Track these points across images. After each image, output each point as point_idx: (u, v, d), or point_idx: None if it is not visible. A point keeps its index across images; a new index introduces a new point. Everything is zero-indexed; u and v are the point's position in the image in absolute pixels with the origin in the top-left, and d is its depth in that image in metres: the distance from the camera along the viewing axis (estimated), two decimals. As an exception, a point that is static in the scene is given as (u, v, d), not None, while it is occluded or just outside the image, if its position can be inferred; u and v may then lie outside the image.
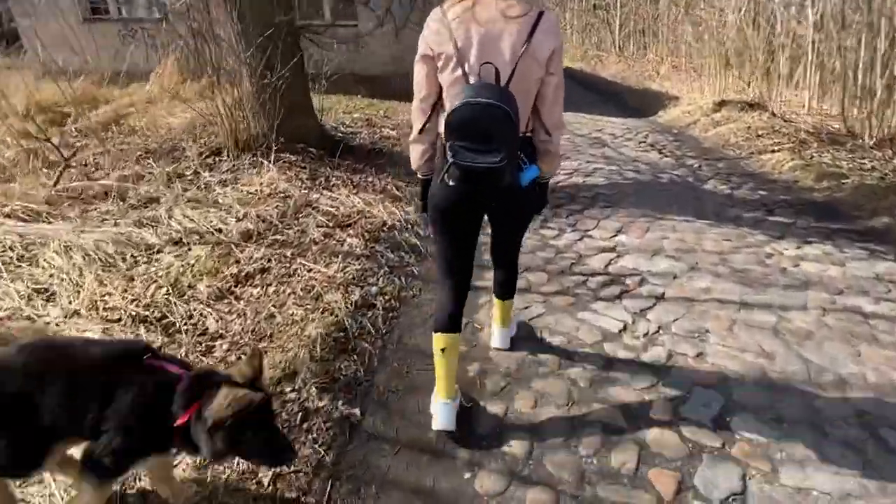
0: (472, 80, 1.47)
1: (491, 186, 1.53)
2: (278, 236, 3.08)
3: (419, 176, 1.79)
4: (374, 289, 2.69)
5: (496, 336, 2.32)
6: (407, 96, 2.09)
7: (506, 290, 2.13)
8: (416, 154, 1.72)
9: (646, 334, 2.47)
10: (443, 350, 1.80)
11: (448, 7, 1.50)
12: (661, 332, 2.49)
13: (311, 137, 4.55)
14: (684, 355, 2.31)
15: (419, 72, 1.58)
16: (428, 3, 9.77)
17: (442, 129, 1.50)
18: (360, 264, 2.86)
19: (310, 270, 2.74)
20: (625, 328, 2.51)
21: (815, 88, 7.24)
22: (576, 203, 4.23)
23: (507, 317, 2.28)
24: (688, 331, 2.48)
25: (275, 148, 4.24)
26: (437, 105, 1.61)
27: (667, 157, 5.89)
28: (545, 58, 1.49)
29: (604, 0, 20.41)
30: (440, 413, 1.83)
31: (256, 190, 3.61)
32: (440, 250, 1.84)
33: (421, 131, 1.66)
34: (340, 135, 5.31)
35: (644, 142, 6.71)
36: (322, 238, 3.12)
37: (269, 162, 3.96)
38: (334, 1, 9.66)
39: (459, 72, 1.48)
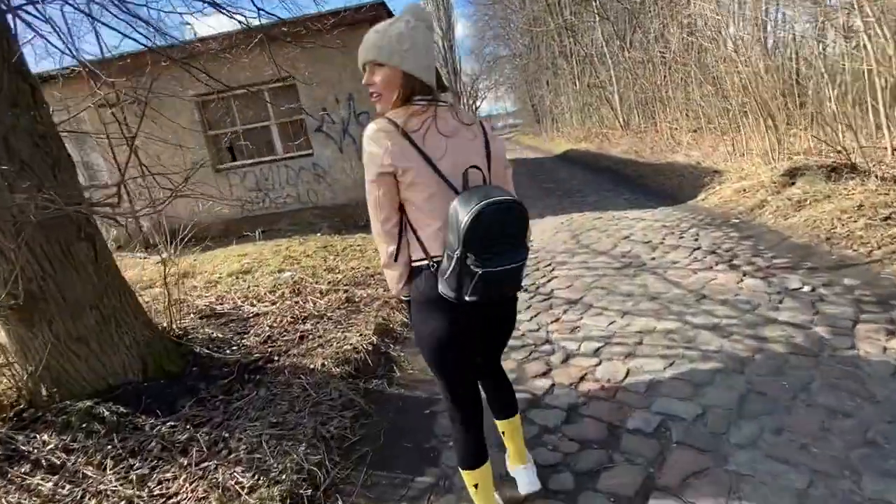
0: (455, 186, 1.39)
1: (515, 287, 1.43)
2: None
3: (402, 298, 1.59)
4: None
5: (520, 479, 1.86)
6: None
7: (508, 403, 1.82)
8: (392, 278, 1.54)
9: None
10: (476, 486, 1.69)
11: (402, 121, 1.37)
12: None
13: (128, 370, 2.57)
14: None
15: (376, 192, 1.41)
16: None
17: (437, 243, 1.41)
18: None
19: None
20: None
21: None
22: (623, 454, 1.99)
23: (522, 443, 1.87)
24: None
25: (43, 419, 2.28)
26: (402, 225, 1.48)
27: (746, 275, 3.68)
28: (503, 155, 1.53)
29: (597, 78, 19.56)
30: None
31: None
32: (446, 385, 1.62)
33: (392, 256, 1.50)
34: (211, 345, 3.15)
35: (698, 248, 4.54)
36: None
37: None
38: (284, 134, 8.39)
39: (437, 182, 1.38)
